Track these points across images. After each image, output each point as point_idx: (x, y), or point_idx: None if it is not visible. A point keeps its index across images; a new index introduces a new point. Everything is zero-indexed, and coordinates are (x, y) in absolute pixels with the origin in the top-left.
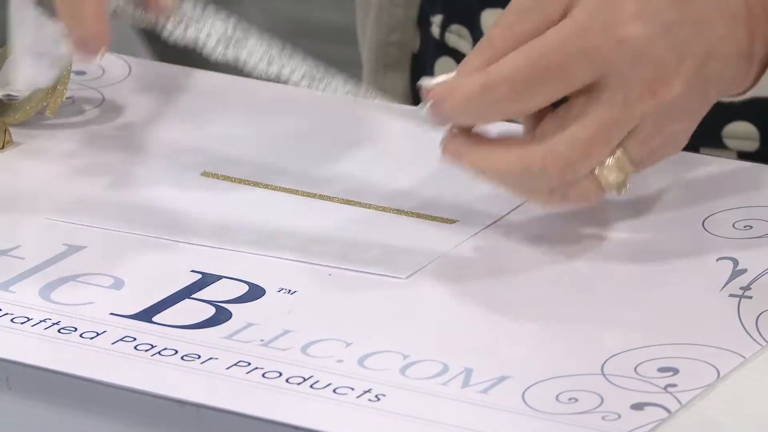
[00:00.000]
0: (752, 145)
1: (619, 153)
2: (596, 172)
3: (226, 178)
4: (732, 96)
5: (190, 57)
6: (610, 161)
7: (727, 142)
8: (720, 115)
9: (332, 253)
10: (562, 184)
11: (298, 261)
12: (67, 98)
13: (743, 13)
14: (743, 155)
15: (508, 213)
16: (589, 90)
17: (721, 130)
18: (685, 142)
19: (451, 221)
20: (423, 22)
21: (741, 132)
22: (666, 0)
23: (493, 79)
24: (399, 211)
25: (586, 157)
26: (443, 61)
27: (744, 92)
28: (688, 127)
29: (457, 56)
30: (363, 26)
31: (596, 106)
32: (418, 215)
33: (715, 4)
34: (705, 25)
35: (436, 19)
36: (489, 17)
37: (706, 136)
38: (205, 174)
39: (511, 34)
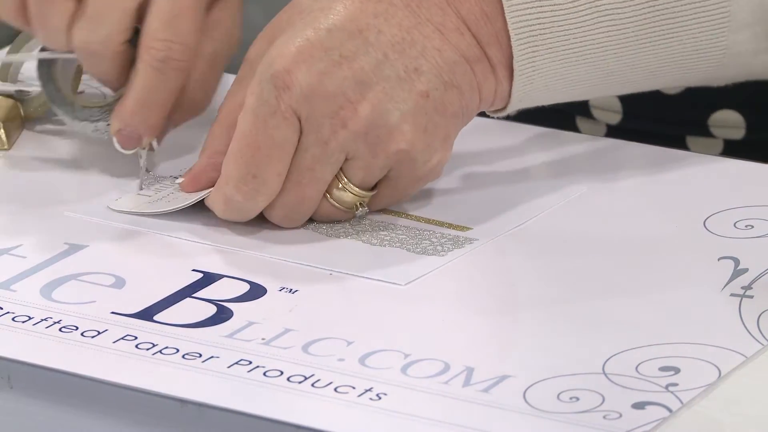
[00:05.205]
0: (738, 133)
1: (345, 180)
2: (330, 199)
3: None
4: (497, 110)
5: None
6: (337, 190)
7: (714, 130)
8: (706, 104)
9: (341, 258)
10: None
11: (300, 264)
12: (84, 107)
13: (454, 22)
14: (729, 143)
15: (525, 222)
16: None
17: (707, 119)
18: (428, 157)
19: (466, 228)
20: None
21: (727, 120)
22: (336, 35)
23: (225, 177)
24: (415, 217)
25: (302, 200)
26: None
27: (507, 104)
28: (412, 141)
29: None
30: None
31: (297, 153)
32: (433, 222)
33: (409, 23)
34: (396, 47)
35: None
36: None
37: (693, 125)
38: None
39: (236, 105)
